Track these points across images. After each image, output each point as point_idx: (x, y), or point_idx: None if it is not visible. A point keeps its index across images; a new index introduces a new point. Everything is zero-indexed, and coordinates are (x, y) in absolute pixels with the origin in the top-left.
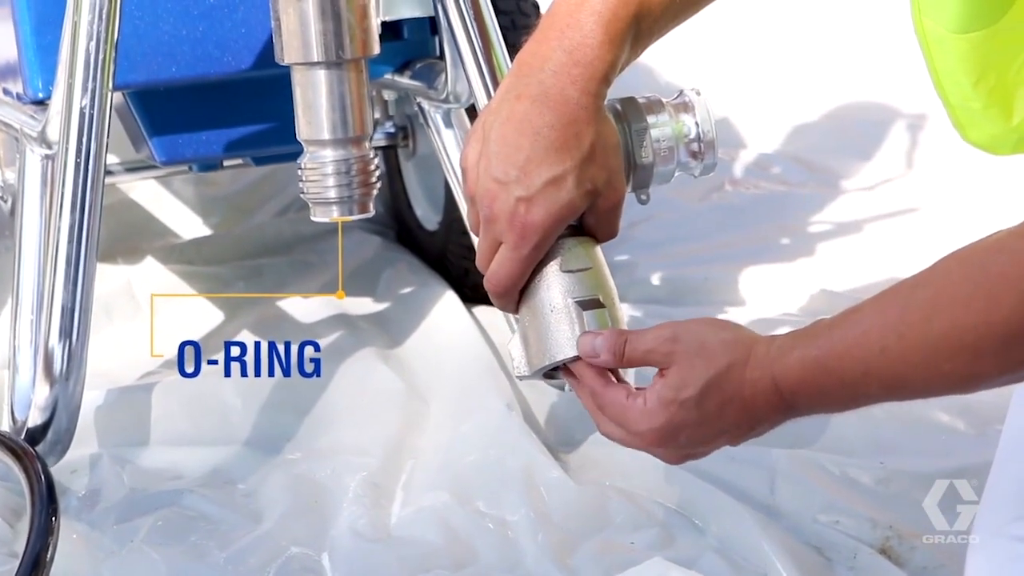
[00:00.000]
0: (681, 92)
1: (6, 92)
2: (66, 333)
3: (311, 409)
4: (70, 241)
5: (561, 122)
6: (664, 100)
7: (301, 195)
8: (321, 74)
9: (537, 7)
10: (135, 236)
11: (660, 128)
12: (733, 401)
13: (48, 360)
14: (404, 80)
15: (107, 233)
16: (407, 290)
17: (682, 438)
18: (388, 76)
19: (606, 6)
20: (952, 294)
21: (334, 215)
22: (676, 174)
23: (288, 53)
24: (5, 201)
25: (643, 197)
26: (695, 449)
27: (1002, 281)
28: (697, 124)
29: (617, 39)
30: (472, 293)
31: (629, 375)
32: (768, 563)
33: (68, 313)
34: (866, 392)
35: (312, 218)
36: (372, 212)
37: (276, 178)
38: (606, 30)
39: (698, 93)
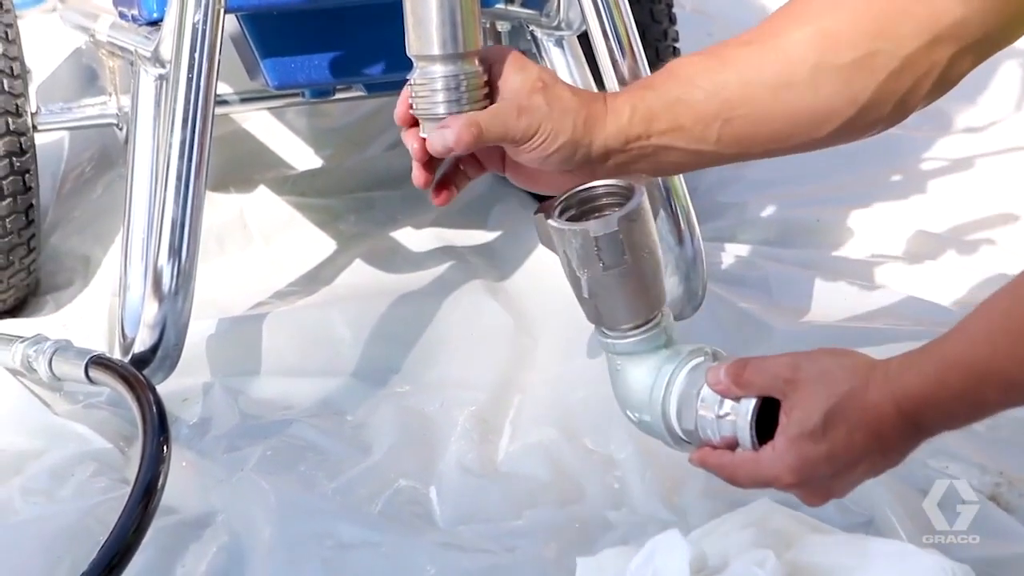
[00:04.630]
0: None
1: (122, 16)
2: (175, 250)
3: (420, 342)
4: (181, 157)
5: None
6: None
7: (410, 111)
8: None
9: None
10: (248, 167)
11: None
12: (859, 427)
13: (157, 277)
14: (516, 8)
15: (220, 163)
16: (517, 226)
17: (818, 473)
18: (500, 6)
19: None
20: None
21: None
22: None
23: None
24: (120, 128)
25: None
26: (833, 484)
27: None
28: None
29: None
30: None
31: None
32: (875, 506)
33: (178, 230)
34: (985, 399)
35: (420, 135)
36: None
37: (388, 111)
38: None
39: None
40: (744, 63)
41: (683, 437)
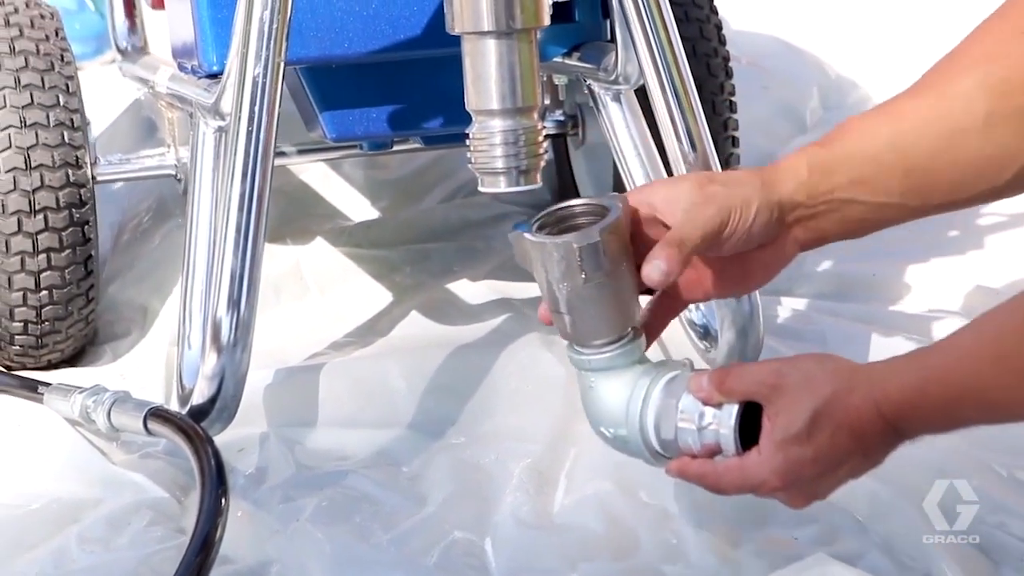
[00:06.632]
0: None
1: (181, 68)
2: (235, 302)
3: (475, 394)
4: (240, 210)
5: None
6: None
7: (468, 165)
8: (491, 44)
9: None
10: (304, 218)
11: None
12: (841, 428)
13: (216, 328)
14: (574, 62)
15: (277, 214)
16: None
17: (804, 475)
18: (558, 59)
19: None
20: None
21: (501, 186)
22: None
23: (459, 22)
24: (179, 180)
25: None
26: (817, 486)
27: None
28: None
29: None
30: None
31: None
32: (933, 563)
33: (237, 282)
34: (963, 416)
35: (479, 189)
36: (539, 183)
37: (444, 163)
38: None
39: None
40: (916, 114)
41: (660, 450)
